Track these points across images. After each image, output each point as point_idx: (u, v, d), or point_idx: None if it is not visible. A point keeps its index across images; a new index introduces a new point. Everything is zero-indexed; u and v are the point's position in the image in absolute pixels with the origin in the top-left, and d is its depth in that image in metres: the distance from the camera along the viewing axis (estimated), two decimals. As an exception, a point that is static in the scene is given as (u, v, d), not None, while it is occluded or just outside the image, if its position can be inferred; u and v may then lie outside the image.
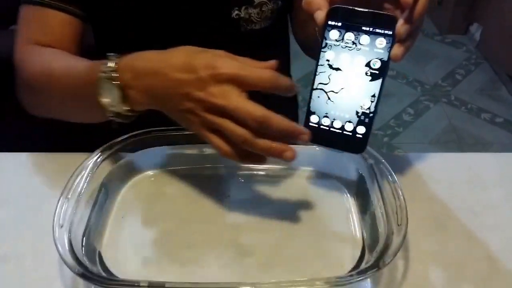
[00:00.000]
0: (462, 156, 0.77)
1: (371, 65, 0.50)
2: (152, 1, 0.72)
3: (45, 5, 0.69)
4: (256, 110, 0.49)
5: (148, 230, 0.59)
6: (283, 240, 0.58)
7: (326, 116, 0.52)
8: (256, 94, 0.50)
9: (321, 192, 0.64)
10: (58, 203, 0.53)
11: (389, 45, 0.49)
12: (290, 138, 0.51)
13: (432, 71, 2.41)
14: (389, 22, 0.49)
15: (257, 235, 0.58)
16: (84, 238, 0.53)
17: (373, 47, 0.50)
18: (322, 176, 0.66)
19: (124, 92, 0.54)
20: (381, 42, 0.49)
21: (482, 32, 2.51)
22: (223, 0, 0.72)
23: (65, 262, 0.48)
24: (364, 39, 0.50)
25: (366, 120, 0.51)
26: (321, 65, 0.52)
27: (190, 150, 0.66)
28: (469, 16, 2.57)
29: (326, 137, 0.53)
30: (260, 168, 0.66)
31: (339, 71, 0.51)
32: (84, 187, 0.56)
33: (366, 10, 0.50)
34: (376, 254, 0.50)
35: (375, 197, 0.57)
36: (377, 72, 0.50)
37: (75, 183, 0.55)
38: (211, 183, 0.65)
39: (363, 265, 0.52)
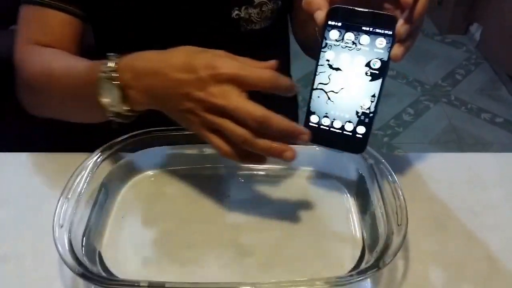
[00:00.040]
0: (462, 156, 0.77)
1: (371, 65, 0.50)
2: (152, 1, 0.72)
3: (45, 5, 0.68)
4: (256, 110, 0.49)
5: (148, 230, 0.59)
6: (283, 240, 0.58)
7: (326, 116, 0.52)
8: (256, 94, 0.50)
9: (321, 192, 0.64)
10: (58, 203, 0.53)
11: (389, 45, 0.49)
12: (290, 138, 0.51)
13: (432, 71, 2.41)
14: (389, 22, 0.49)
15: (257, 235, 0.58)
16: (84, 238, 0.53)
17: (373, 47, 0.50)
18: (322, 176, 0.66)
19: (124, 92, 0.54)
20: (381, 42, 0.49)
21: (482, 32, 2.51)
22: (223, 0, 0.72)
23: (65, 262, 0.48)
24: (364, 39, 0.50)
25: (366, 120, 0.51)
26: (321, 65, 0.52)
27: (190, 150, 0.66)
28: (469, 16, 2.57)
29: (326, 137, 0.53)
30: (260, 168, 0.66)
31: (339, 71, 0.51)
32: (84, 187, 0.56)
33: (366, 10, 0.50)
34: (376, 254, 0.50)
35: (375, 197, 0.57)
36: (377, 72, 0.50)
37: (75, 183, 0.55)
38: (211, 183, 0.65)
39: (363, 265, 0.52)
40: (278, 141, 0.50)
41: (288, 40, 0.89)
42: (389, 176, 0.56)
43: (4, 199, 0.63)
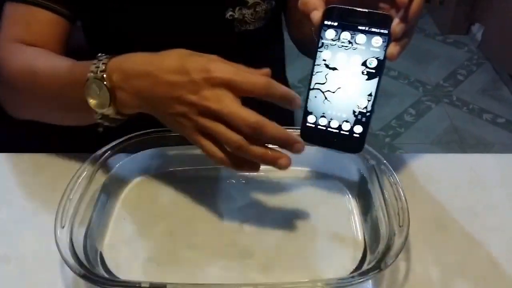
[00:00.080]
0: (463, 157, 0.77)
1: (368, 64, 0.50)
2: (145, 2, 0.71)
3: (32, 3, 0.67)
4: (250, 116, 0.48)
5: (149, 231, 0.59)
6: (284, 241, 0.58)
7: (323, 116, 0.52)
8: (252, 99, 0.50)
9: (323, 193, 0.64)
10: (59, 203, 0.53)
11: (385, 44, 0.49)
12: (284, 146, 0.51)
13: (433, 72, 2.40)
14: (384, 21, 0.49)
15: (258, 236, 0.58)
16: (85, 239, 0.53)
17: (369, 46, 0.50)
18: (324, 177, 0.66)
19: (113, 93, 0.53)
20: (377, 41, 0.50)
21: (483, 32, 2.51)
22: (216, 1, 0.72)
23: (67, 263, 0.48)
24: (360, 38, 0.50)
25: (363, 119, 0.51)
26: (318, 65, 0.52)
27: (191, 151, 0.65)
28: (470, 16, 2.56)
29: (323, 137, 0.53)
30: (261, 169, 0.66)
31: (335, 70, 0.51)
32: (85, 188, 0.56)
33: (362, 9, 0.50)
34: (377, 255, 0.49)
35: (376, 198, 0.57)
36: (373, 71, 0.50)
37: (77, 184, 0.56)
38: (211, 184, 0.65)
39: (365, 267, 0.52)
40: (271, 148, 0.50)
41: (283, 40, 0.89)
42: (391, 177, 0.56)
43: (5, 199, 0.64)
